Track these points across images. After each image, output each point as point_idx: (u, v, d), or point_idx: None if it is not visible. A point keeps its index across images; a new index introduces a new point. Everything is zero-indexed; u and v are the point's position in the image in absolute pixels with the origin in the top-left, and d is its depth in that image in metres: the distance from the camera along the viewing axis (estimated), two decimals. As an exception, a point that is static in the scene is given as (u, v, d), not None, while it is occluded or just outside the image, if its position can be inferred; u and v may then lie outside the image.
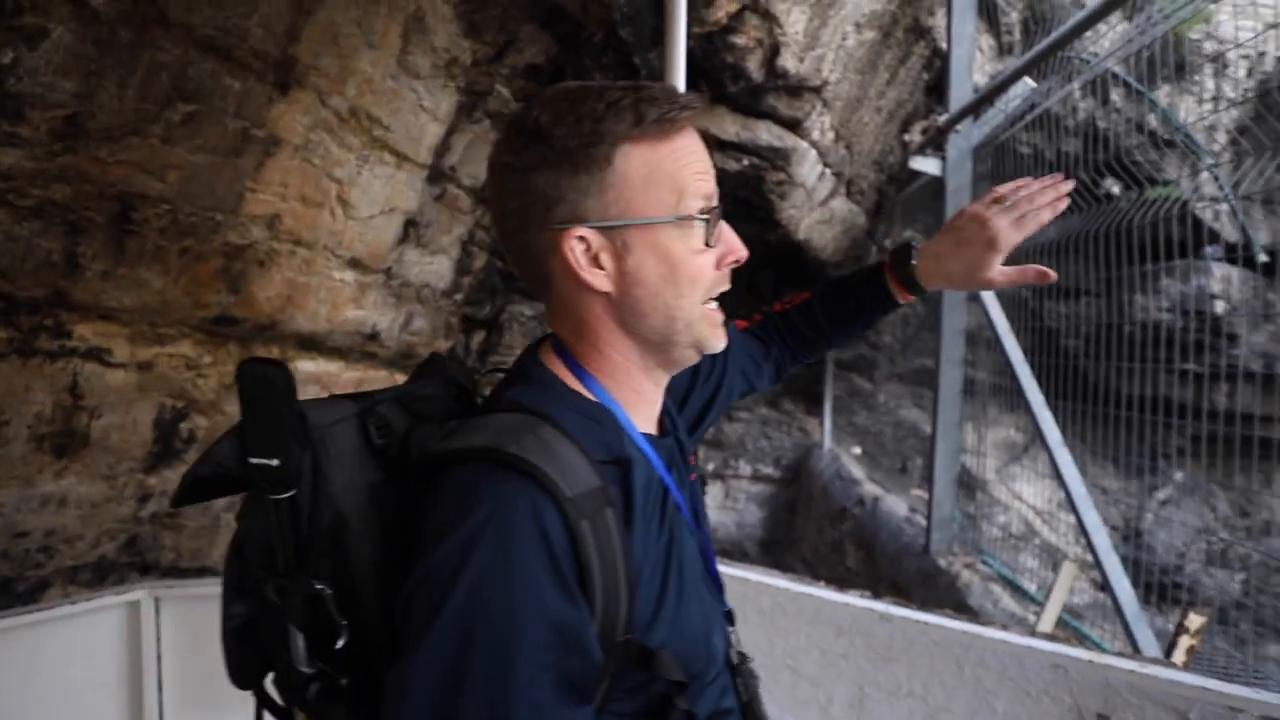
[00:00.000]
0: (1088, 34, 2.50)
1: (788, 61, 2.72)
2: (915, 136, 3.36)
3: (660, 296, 0.64)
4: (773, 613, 1.68)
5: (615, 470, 0.62)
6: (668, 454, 0.71)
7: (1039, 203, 0.83)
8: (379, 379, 2.92)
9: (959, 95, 2.79)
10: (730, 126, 2.93)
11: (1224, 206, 4.14)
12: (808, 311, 0.99)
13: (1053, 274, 0.85)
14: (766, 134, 2.94)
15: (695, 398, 0.89)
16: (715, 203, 0.66)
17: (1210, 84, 4.00)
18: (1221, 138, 3.97)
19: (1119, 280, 3.53)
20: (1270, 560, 3.47)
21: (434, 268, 2.87)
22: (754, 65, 2.70)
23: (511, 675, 0.49)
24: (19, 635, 1.55)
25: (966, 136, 2.81)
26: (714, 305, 0.69)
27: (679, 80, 1.93)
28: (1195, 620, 1.45)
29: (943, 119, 2.76)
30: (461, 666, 0.49)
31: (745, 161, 2.99)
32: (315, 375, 2.73)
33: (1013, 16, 3.44)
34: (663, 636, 0.60)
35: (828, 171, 3.25)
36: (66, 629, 1.63)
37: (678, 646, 0.61)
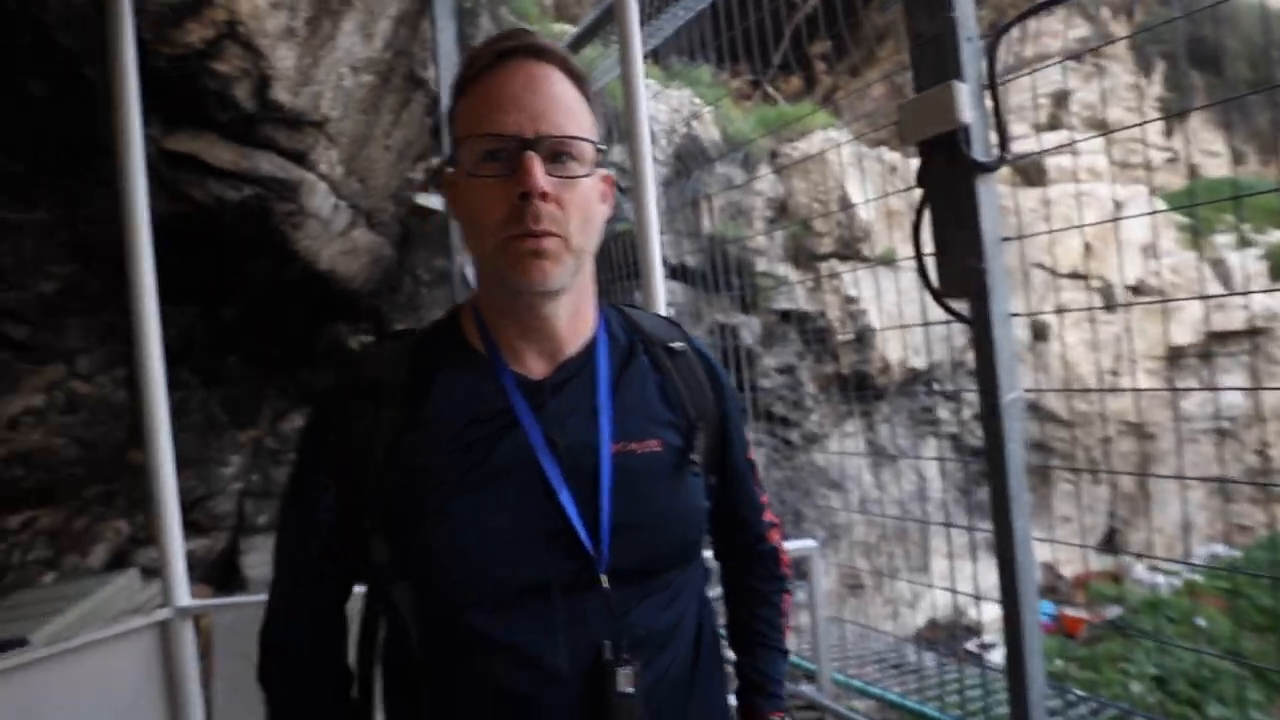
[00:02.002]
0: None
1: (280, 95, 2.75)
2: (419, 175, 3.72)
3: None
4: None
5: (425, 380, 0.75)
6: (533, 391, 0.75)
7: None
8: None
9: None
10: (226, 154, 2.81)
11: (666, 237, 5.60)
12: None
13: None
14: (269, 164, 2.91)
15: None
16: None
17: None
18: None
19: (607, 290, 4.50)
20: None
21: None
22: (243, 95, 2.66)
23: (285, 495, 0.79)
24: (49, 668, 1.56)
25: (463, 177, 3.25)
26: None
27: (134, 99, 1.84)
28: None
29: (436, 161, 3.16)
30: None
31: (247, 190, 2.90)
32: None
33: (497, 78, 4.07)
34: (428, 534, 0.69)
35: (343, 204, 3.36)
36: (98, 656, 1.64)
37: (447, 552, 0.69)
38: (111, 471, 3.51)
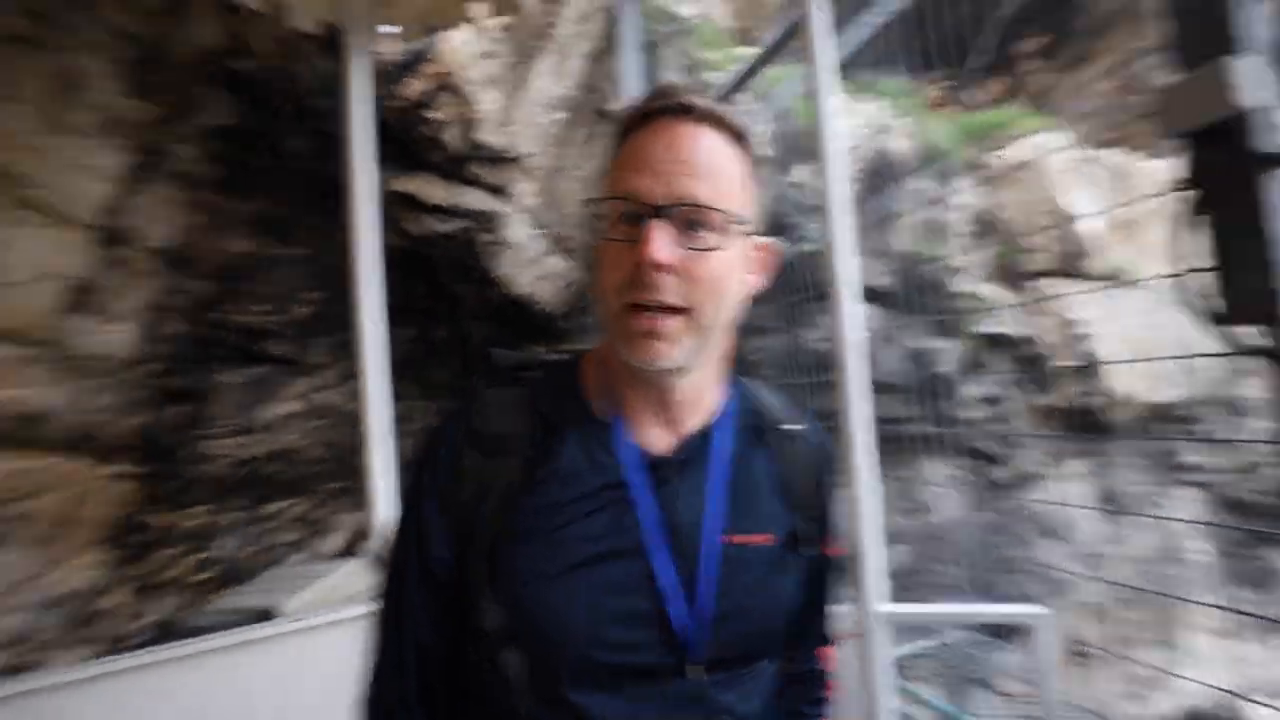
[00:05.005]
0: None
1: (485, 135, 3.03)
2: (604, 202, 3.86)
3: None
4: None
5: (544, 439, 0.73)
6: (654, 467, 0.72)
7: None
8: (42, 469, 2.54)
9: (635, 169, 3.31)
10: (438, 192, 3.14)
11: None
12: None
13: None
14: (473, 199, 3.20)
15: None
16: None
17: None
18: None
19: (792, 318, 4.38)
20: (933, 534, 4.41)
21: (114, 337, 2.63)
22: (453, 137, 2.96)
23: (400, 521, 0.76)
24: (292, 640, 1.76)
25: (645, 202, 3.35)
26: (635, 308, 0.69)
27: (368, 148, 2.10)
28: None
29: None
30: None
31: (455, 224, 3.21)
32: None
33: (680, 106, 4.15)
34: (533, 605, 0.68)
35: (538, 233, 3.60)
36: (331, 635, 1.82)
37: (554, 626, 0.67)
38: (347, 471, 4.03)
